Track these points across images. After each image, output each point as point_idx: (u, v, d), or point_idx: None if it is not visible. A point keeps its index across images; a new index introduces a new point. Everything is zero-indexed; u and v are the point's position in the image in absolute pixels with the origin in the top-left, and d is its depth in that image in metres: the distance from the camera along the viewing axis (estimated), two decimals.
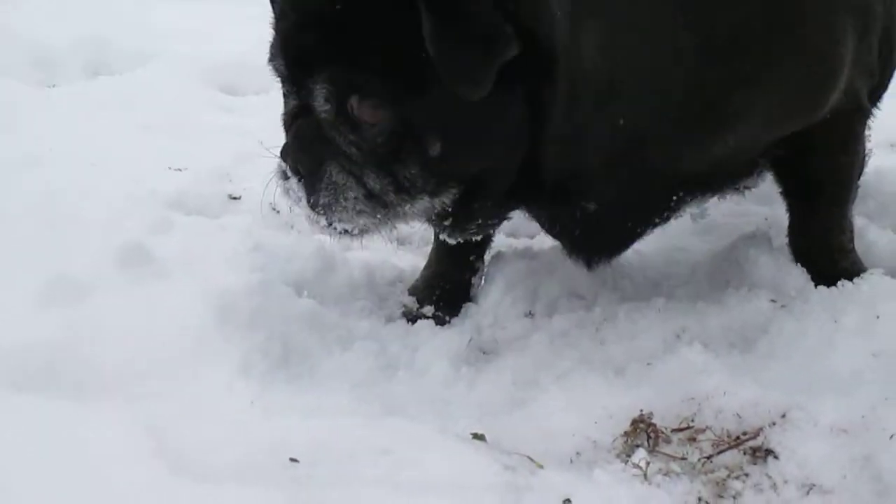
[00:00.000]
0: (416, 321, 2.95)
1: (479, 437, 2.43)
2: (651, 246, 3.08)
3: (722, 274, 2.97)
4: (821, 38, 2.65)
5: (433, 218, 2.58)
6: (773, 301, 2.78)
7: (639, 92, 2.50)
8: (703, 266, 3.07)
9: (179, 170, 3.59)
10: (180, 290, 2.74)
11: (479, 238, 2.87)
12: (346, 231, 2.52)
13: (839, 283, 2.77)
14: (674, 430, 2.43)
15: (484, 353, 2.83)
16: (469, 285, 3.07)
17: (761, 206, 3.48)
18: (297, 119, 2.49)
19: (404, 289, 3.09)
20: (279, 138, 2.57)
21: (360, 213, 2.47)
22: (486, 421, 2.49)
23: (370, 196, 2.45)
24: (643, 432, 2.43)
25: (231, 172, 3.66)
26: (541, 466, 2.33)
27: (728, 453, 2.36)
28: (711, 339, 2.68)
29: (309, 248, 3.10)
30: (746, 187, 3.04)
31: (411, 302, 3.03)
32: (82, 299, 2.75)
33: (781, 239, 3.04)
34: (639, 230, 2.81)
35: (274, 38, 2.48)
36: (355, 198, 2.45)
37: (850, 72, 2.72)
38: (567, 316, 2.88)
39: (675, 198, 2.76)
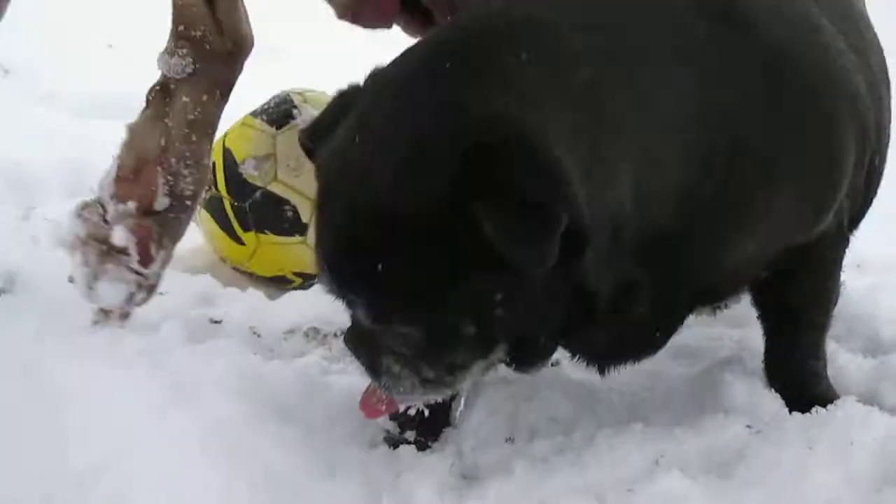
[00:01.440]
0: (398, 446, 3.01)
1: None
2: (627, 370, 3.13)
3: (697, 398, 3.04)
4: (833, 144, 2.75)
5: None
6: (748, 427, 2.84)
7: (670, 206, 2.57)
8: (679, 390, 3.14)
9: (161, 293, 3.62)
10: (168, 416, 2.77)
11: None
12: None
13: (813, 409, 2.84)
14: None
15: (465, 478, 2.89)
16: (449, 409, 3.12)
17: (733, 328, 3.56)
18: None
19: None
20: None
21: (423, 394, 2.65)
22: None
23: (427, 382, 2.59)
24: None
25: (212, 295, 3.71)
26: None
27: None
28: (689, 465, 2.72)
29: (292, 374, 3.15)
30: (725, 306, 3.12)
31: (393, 427, 3.08)
32: None
33: (755, 362, 3.12)
34: (658, 342, 2.88)
35: (318, 255, 2.55)
36: (413, 384, 2.60)
37: (844, 193, 2.82)
38: (548, 441, 2.93)
39: (687, 311, 2.85)
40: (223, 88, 3.25)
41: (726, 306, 3.18)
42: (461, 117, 2.35)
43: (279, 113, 3.92)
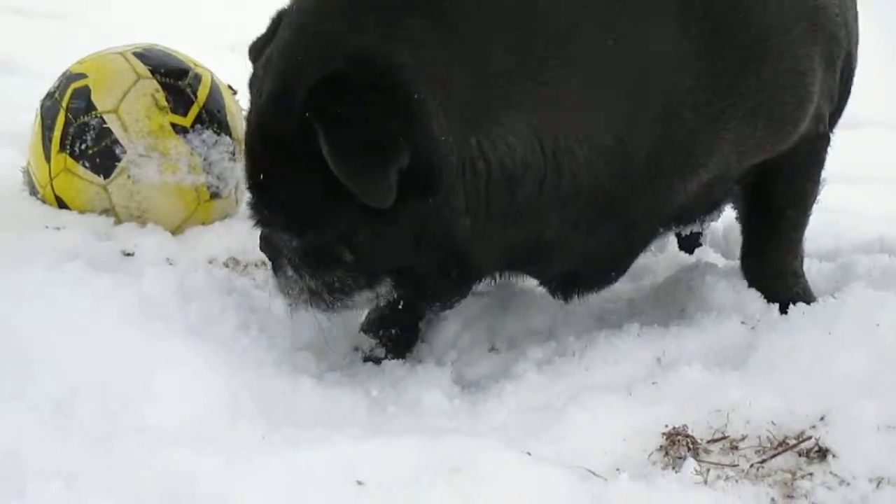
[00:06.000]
0: (379, 362, 2.90)
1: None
2: None
3: (677, 303, 2.99)
4: (789, 73, 2.74)
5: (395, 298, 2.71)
6: (743, 323, 2.81)
7: (596, 161, 2.57)
8: (649, 299, 3.10)
9: (58, 228, 3.34)
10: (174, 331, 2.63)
11: None
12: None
13: (823, 298, 2.85)
14: (710, 441, 2.41)
15: (463, 386, 2.76)
16: (416, 327, 3.01)
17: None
18: None
19: (347, 333, 2.97)
20: None
21: (307, 301, 2.67)
22: (517, 444, 2.40)
23: (311, 292, 2.64)
24: (682, 445, 2.39)
25: (108, 231, 3.43)
26: (604, 478, 2.27)
27: (781, 457, 2.35)
28: (693, 360, 2.66)
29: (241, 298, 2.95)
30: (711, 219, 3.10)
31: (368, 346, 2.96)
32: None
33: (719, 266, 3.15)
34: (621, 268, 2.87)
35: None
36: (301, 289, 2.65)
37: (817, 100, 2.81)
38: (538, 348, 2.84)
39: (653, 234, 2.84)
40: None
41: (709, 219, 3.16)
42: (332, 49, 2.45)
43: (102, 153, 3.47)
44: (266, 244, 2.69)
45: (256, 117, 2.54)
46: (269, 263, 2.73)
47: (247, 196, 2.67)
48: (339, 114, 2.37)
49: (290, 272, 2.64)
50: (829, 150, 2.98)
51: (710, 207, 2.93)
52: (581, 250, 2.69)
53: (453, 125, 2.44)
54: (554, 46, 2.51)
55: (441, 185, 2.46)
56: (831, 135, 3.01)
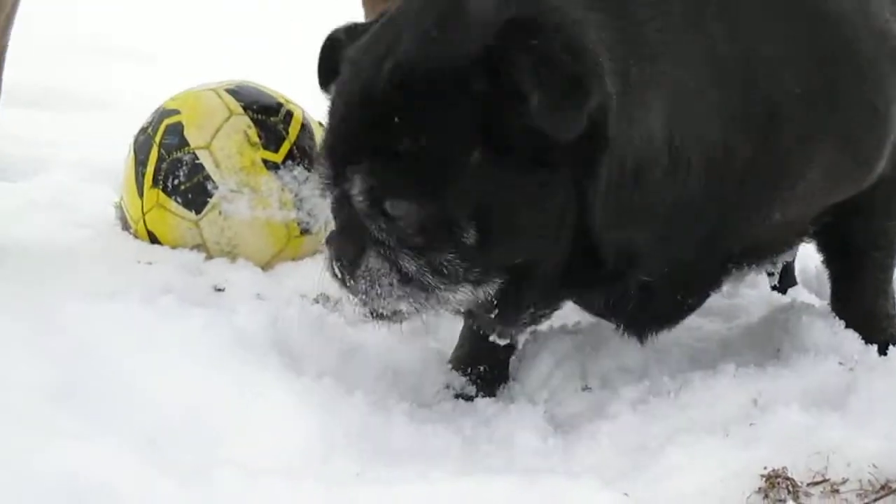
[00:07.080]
0: (471, 400, 2.87)
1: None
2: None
3: (772, 343, 2.95)
4: (873, 113, 2.69)
5: (479, 309, 2.54)
6: (840, 364, 2.76)
7: (702, 167, 2.50)
8: (743, 339, 3.06)
9: (150, 263, 3.37)
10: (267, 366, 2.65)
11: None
12: (384, 316, 2.50)
13: None
14: (810, 484, 2.36)
15: (555, 426, 2.73)
16: (506, 365, 2.97)
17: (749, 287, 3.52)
18: (342, 207, 2.47)
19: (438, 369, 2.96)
20: None
21: (398, 298, 2.44)
22: (613, 485, 2.37)
23: (407, 280, 2.42)
24: (782, 487, 2.35)
25: (199, 266, 3.45)
26: None
27: (883, 501, 2.31)
28: (792, 402, 2.62)
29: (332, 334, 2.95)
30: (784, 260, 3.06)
31: (459, 384, 2.93)
32: None
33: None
34: (692, 303, 2.79)
35: (323, 144, 2.50)
36: (390, 284, 2.42)
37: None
38: (631, 387, 2.81)
39: (726, 270, 2.76)
40: None
41: (775, 264, 3.12)
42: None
43: (194, 189, 3.52)
44: (347, 237, 2.46)
45: (393, 64, 2.32)
46: (339, 274, 2.49)
47: (340, 184, 2.43)
48: (536, 46, 2.24)
49: (378, 264, 2.42)
50: None
51: (784, 246, 2.90)
52: (663, 265, 2.60)
53: (616, 92, 2.35)
54: (677, 34, 2.47)
55: (603, 153, 2.35)
56: None
